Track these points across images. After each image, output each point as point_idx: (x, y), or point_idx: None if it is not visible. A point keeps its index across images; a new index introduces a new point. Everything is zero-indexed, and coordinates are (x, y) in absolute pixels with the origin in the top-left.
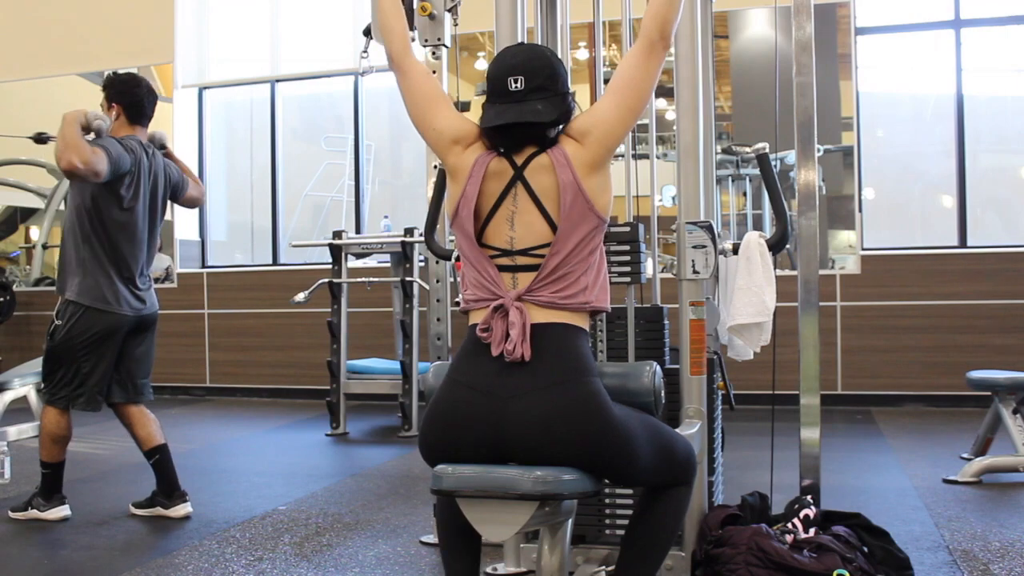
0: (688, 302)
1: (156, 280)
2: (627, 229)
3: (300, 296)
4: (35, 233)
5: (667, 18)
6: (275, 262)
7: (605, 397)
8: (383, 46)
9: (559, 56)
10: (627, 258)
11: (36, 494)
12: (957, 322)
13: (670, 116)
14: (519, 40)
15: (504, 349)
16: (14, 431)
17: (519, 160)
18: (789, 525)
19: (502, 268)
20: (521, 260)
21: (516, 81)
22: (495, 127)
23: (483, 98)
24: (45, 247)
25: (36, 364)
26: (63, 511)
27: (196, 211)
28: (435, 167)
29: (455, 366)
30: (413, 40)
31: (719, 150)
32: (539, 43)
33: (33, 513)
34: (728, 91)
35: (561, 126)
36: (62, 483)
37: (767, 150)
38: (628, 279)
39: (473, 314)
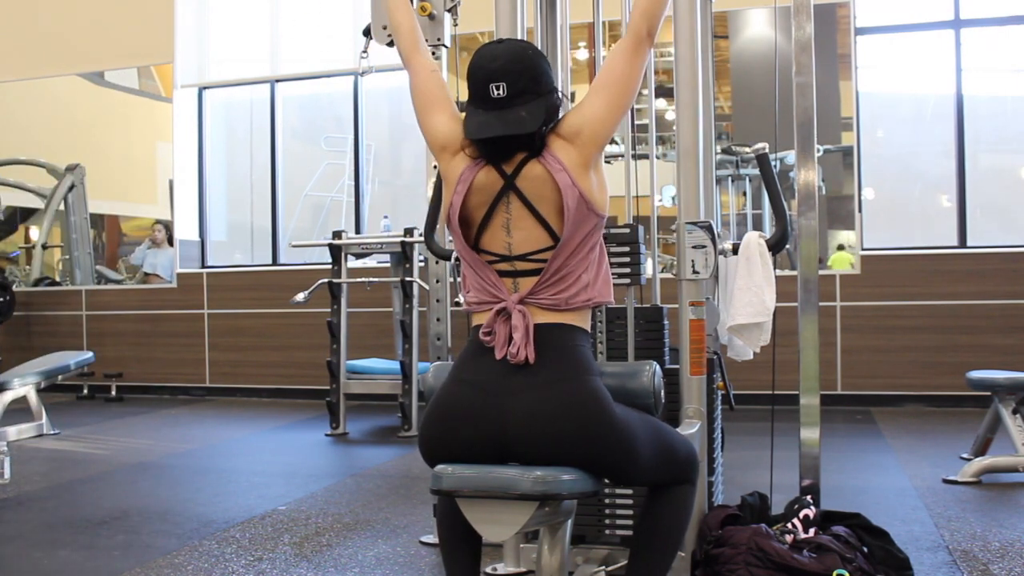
0: (688, 302)
1: None
2: (627, 231)
3: (300, 296)
4: (35, 233)
5: (655, 13)
6: (275, 262)
7: (606, 396)
8: (384, 45)
9: (546, 54)
10: (627, 259)
11: None
12: (957, 322)
13: (670, 116)
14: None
15: (508, 352)
16: (14, 431)
17: (508, 169)
18: (789, 525)
19: (502, 273)
20: (521, 265)
21: (498, 88)
22: (480, 140)
23: None
24: (45, 247)
25: (36, 364)
26: None
27: (196, 211)
28: (435, 167)
29: (459, 366)
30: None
31: (719, 150)
32: (535, 42)
33: None
34: (728, 91)
35: (549, 125)
36: None
37: (767, 150)
38: (628, 280)
39: (476, 316)
